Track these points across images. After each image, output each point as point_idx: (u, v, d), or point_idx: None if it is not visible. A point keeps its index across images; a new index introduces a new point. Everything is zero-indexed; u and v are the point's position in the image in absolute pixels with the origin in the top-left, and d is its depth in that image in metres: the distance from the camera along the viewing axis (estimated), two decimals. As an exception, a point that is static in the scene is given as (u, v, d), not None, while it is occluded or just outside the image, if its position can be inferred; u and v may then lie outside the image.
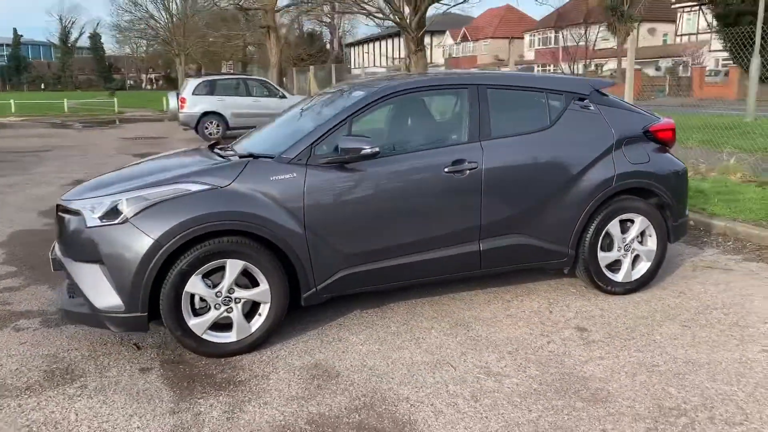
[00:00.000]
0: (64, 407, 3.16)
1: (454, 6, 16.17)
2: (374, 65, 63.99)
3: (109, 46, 79.29)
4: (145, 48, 73.04)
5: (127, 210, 3.53)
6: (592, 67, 40.00)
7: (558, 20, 46.87)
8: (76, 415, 3.09)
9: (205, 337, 3.64)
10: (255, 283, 3.71)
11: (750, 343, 3.77)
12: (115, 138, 18.05)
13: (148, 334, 3.97)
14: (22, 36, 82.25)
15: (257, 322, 3.74)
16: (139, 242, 3.47)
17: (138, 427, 2.98)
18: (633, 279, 4.56)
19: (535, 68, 43.96)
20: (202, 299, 3.63)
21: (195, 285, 3.56)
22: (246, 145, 4.41)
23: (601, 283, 4.49)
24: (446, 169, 4.02)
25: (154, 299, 3.55)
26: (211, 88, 16.63)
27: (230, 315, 3.67)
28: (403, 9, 14.48)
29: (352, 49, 75.86)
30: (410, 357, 3.68)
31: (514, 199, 4.19)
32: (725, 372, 3.43)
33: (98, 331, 4.03)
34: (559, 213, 4.29)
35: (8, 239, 6.54)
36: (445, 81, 4.48)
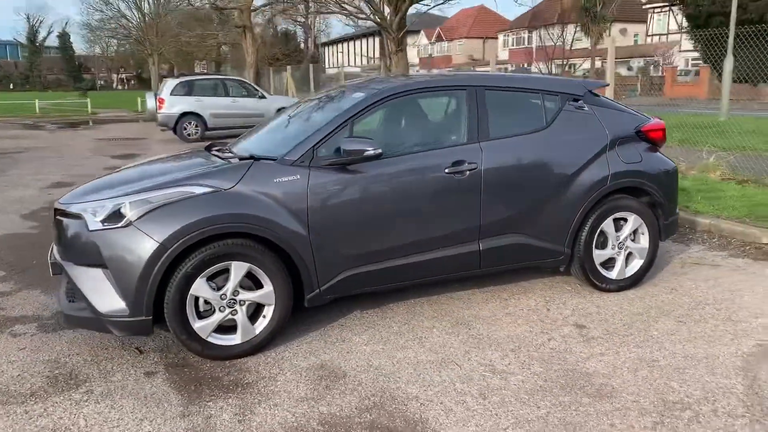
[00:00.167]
0: (72, 413, 3.13)
1: (435, 6, 16.26)
2: (349, 65, 63.88)
3: (79, 46, 78.16)
4: (115, 47, 72.08)
5: (130, 213, 3.51)
6: (566, 68, 40.48)
7: (532, 20, 47.34)
8: (85, 420, 3.06)
9: (210, 339, 3.63)
10: (259, 285, 3.71)
11: (744, 337, 3.88)
12: (91, 139, 17.78)
13: (149, 337, 3.95)
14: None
15: (261, 323, 3.74)
16: (143, 246, 3.45)
17: (150, 432, 2.97)
18: (626, 276, 4.65)
19: (509, 68, 44.30)
20: (206, 302, 3.62)
21: (200, 288, 3.55)
22: (245, 146, 4.41)
23: (596, 280, 4.57)
24: (446, 170, 4.06)
25: (157, 303, 3.53)
26: (189, 89, 16.49)
27: (235, 317, 3.66)
28: (384, 9, 14.50)
29: (327, 48, 75.73)
30: (415, 356, 3.71)
31: (513, 199, 4.25)
32: (723, 366, 3.52)
33: (98, 335, 4.00)
34: (556, 212, 4.36)
35: (-7, 243, 6.42)
36: (444, 82, 4.52)
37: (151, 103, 16.91)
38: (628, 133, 4.61)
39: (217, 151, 4.47)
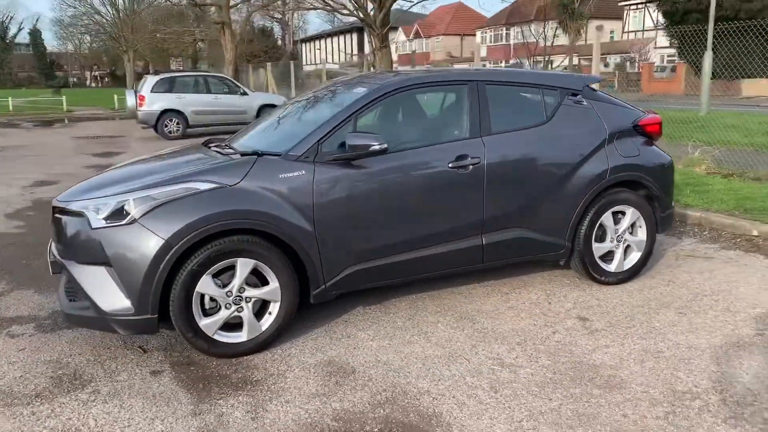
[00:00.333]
0: (81, 413, 3.08)
1: (418, 2, 16.26)
2: (327, 62, 63.68)
3: (50, 43, 76.87)
4: (89, 44, 71.00)
5: (134, 210, 3.45)
6: (549, 65, 40.79)
7: (509, 17, 47.59)
8: (95, 421, 3.01)
9: (216, 337, 3.60)
10: (264, 282, 3.68)
11: (744, 327, 3.94)
12: (69, 137, 17.49)
13: (152, 336, 3.90)
14: (-44, 32, 78.74)
15: (267, 320, 3.72)
16: (148, 243, 3.40)
17: (162, 431, 2.93)
18: (625, 269, 4.70)
19: (487, 65, 44.49)
20: (212, 299, 3.59)
21: (206, 285, 3.51)
22: (246, 142, 4.36)
23: (595, 273, 4.61)
24: (450, 165, 4.06)
25: (162, 301, 3.48)
26: (170, 86, 16.29)
27: (241, 314, 3.63)
28: (367, 5, 14.45)
29: (304, 45, 75.38)
30: (422, 351, 3.71)
31: (515, 194, 4.27)
32: (727, 356, 3.58)
33: (99, 334, 3.94)
34: (557, 206, 4.39)
35: (-21, 243, 6.29)
36: (445, 77, 4.52)
37: (131, 100, 16.65)
38: (626, 127, 4.66)
39: (216, 146, 4.42)
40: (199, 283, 3.49)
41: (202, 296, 3.55)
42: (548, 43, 39.66)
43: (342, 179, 3.82)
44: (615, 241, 4.64)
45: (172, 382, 3.39)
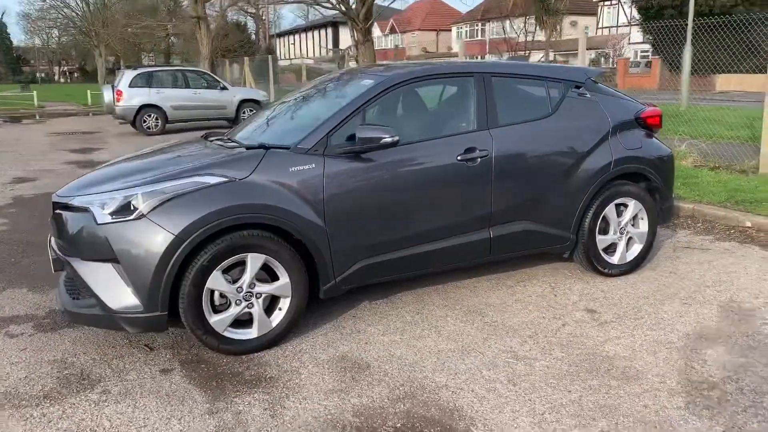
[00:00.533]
0: (94, 414, 2.99)
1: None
2: (302, 56, 63.29)
3: (17, 37, 75.19)
4: (57, 39, 69.53)
5: (142, 205, 3.36)
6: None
7: (485, 12, 47.76)
8: (110, 421, 2.93)
9: (226, 334, 3.52)
10: (274, 277, 3.62)
11: (750, 317, 3.98)
12: (44, 133, 17.10)
13: (156, 334, 3.81)
14: None
15: (278, 316, 3.65)
16: (158, 238, 3.31)
17: (180, 431, 2.86)
18: (627, 261, 4.72)
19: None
20: (222, 295, 3.51)
21: (216, 281, 3.44)
22: (248, 135, 4.28)
23: (599, 266, 4.63)
24: (459, 157, 4.04)
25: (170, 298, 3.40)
26: (148, 81, 16.01)
27: (251, 311, 3.56)
28: (349, -1, 14.36)
29: (278, 40, 74.78)
30: (435, 345, 3.68)
31: (522, 186, 4.26)
32: (737, 345, 3.61)
33: (102, 333, 3.84)
34: (563, 198, 4.39)
35: (-36, 241, 6.10)
36: (453, 69, 4.47)
37: (108, 95, 16.32)
38: (628, 120, 4.68)
39: (219, 140, 4.33)
40: (209, 279, 3.41)
41: (212, 292, 3.48)
42: (532, 39, 39.86)
43: (352, 172, 3.77)
44: (618, 233, 4.66)
45: (184, 381, 3.31)
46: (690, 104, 14.22)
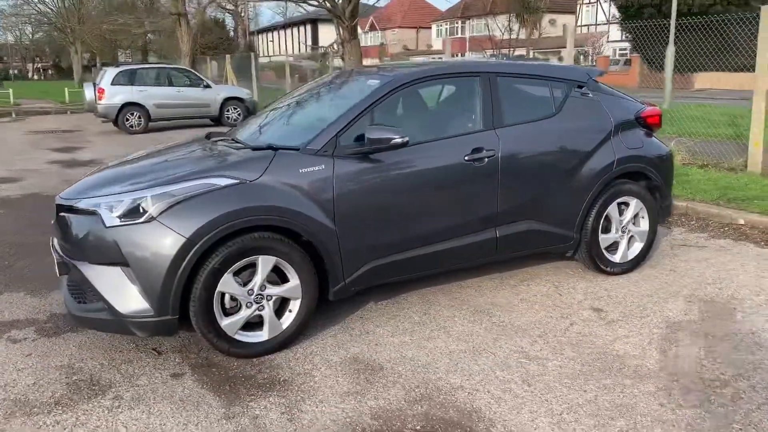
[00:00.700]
0: (108, 420, 2.94)
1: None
2: (281, 54, 62.90)
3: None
4: (30, 35, 68.36)
5: (152, 208, 3.31)
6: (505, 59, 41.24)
7: (465, 10, 47.89)
8: (126, 428, 2.88)
9: (237, 337, 3.49)
10: (284, 279, 3.59)
11: (754, 314, 4.04)
12: (23, 132, 16.79)
13: (164, 338, 3.76)
14: None
15: (288, 318, 3.62)
16: (168, 241, 3.26)
17: (198, 436, 2.83)
18: (629, 259, 4.77)
19: (442, 58, 44.66)
20: (232, 298, 3.47)
21: (227, 284, 3.40)
22: (253, 136, 4.24)
23: (602, 264, 4.66)
24: (466, 157, 4.03)
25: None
26: (131, 78, 15.81)
27: (261, 313, 3.53)
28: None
29: (257, 37, 74.28)
30: (445, 346, 3.68)
31: (527, 186, 4.27)
32: (743, 342, 3.66)
33: (107, 337, 3.78)
34: (567, 198, 4.41)
35: (-47, 244, 5.97)
36: (458, 69, 4.46)
37: (89, 93, 16.09)
38: (629, 119, 4.71)
39: (222, 141, 4.28)
40: (220, 281, 3.37)
41: (223, 295, 3.44)
42: (507, 37, 40.06)
43: (361, 173, 3.75)
44: (620, 232, 4.70)
45: (197, 385, 3.27)
46: (672, 102, 14.38)
